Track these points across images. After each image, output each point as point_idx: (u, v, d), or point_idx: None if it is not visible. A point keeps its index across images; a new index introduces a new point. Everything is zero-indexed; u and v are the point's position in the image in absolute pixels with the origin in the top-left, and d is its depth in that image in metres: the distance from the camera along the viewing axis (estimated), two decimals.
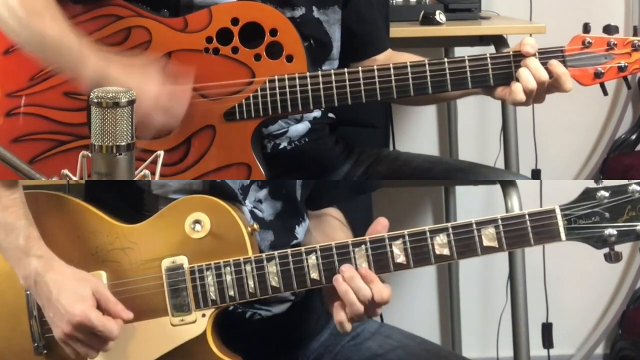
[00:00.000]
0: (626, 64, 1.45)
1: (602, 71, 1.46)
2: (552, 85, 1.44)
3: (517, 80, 1.44)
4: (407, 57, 1.60)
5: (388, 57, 1.69)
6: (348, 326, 1.29)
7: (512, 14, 2.61)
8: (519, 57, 1.45)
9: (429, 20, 2.32)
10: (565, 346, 2.90)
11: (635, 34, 1.47)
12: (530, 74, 1.43)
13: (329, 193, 1.62)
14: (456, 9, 2.39)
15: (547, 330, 2.84)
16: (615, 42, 1.45)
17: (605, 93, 1.49)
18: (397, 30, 2.17)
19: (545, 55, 1.45)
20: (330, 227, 1.57)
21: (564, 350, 2.90)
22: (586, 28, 1.46)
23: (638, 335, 2.76)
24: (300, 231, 1.50)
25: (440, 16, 2.31)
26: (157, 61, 1.41)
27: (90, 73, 1.35)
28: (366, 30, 1.69)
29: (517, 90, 1.44)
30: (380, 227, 1.30)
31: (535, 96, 1.44)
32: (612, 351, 2.87)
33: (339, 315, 1.28)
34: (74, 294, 1.26)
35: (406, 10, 2.44)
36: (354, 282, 1.27)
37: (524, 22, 2.60)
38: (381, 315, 1.84)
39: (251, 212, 1.43)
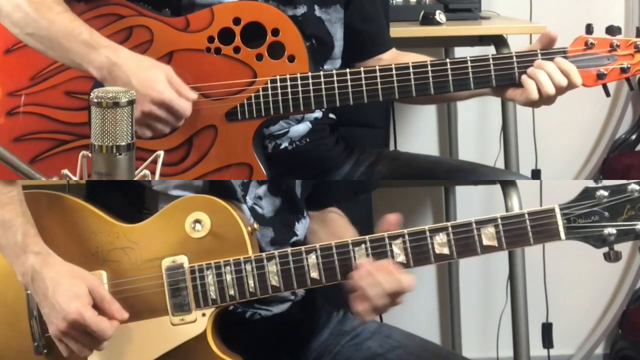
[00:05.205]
0: (629, 65, 1.45)
1: (605, 72, 1.45)
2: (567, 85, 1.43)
3: (535, 81, 1.42)
4: (413, 57, 1.60)
5: (393, 57, 1.69)
6: (372, 316, 1.29)
7: (512, 14, 2.60)
8: (521, 58, 1.44)
9: (429, 20, 2.32)
10: (565, 346, 2.90)
11: (638, 35, 1.46)
12: (549, 79, 1.41)
13: (330, 194, 1.62)
14: (456, 9, 2.38)
15: (547, 330, 2.84)
16: (618, 44, 1.45)
17: (607, 94, 1.48)
18: (397, 30, 2.17)
19: (548, 57, 1.45)
20: (337, 226, 1.57)
21: (564, 350, 2.90)
22: (589, 29, 1.45)
23: (638, 335, 2.76)
24: (300, 228, 1.50)
25: (440, 16, 2.31)
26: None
27: (101, 59, 1.35)
28: (370, 28, 1.68)
29: (531, 90, 1.42)
30: (392, 226, 1.31)
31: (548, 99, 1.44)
32: (612, 351, 2.87)
33: (360, 306, 1.28)
34: (70, 292, 1.26)
35: (406, 10, 2.44)
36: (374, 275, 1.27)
37: (524, 22, 2.60)
38: (381, 315, 1.83)
39: (251, 209, 1.43)
